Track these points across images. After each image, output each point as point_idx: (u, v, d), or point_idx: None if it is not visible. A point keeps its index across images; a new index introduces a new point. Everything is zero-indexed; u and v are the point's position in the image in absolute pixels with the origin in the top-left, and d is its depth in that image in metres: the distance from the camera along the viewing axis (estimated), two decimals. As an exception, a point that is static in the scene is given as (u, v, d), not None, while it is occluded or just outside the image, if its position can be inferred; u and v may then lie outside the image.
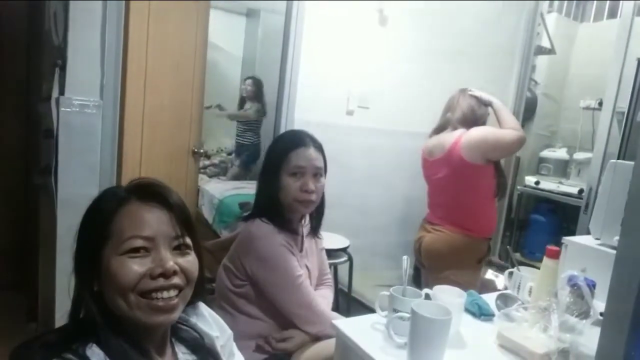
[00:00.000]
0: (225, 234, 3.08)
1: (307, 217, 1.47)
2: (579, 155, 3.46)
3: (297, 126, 2.31)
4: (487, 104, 2.14)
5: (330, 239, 2.19)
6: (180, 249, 0.76)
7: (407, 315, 0.96)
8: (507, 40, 3.13)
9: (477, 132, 2.02)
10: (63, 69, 1.77)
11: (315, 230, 1.49)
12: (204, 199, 3.64)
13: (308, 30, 2.35)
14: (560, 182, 3.45)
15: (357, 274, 2.41)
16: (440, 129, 2.17)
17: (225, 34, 4.81)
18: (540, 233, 3.54)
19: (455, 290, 1.18)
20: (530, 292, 1.31)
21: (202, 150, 2.48)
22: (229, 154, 4.86)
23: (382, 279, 2.61)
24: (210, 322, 0.90)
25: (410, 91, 2.77)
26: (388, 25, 2.62)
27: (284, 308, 1.31)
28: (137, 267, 0.71)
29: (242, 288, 1.34)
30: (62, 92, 1.77)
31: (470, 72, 2.82)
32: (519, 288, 1.35)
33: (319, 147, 1.39)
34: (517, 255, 3.59)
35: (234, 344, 0.97)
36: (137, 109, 2.08)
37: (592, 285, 1.15)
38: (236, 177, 4.12)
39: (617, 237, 1.03)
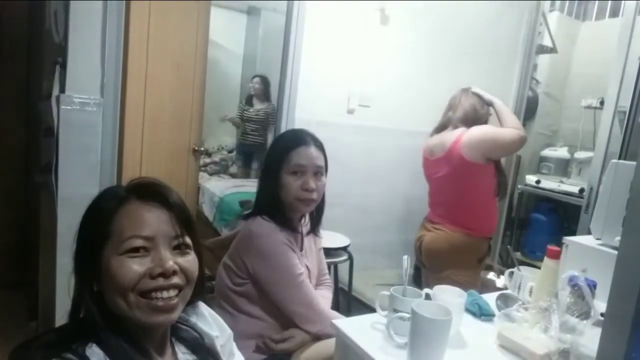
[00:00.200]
0: (225, 232, 3.08)
1: (307, 217, 1.47)
2: (580, 155, 3.45)
3: (298, 125, 2.31)
4: (488, 104, 2.14)
5: (331, 238, 2.19)
6: (180, 249, 0.76)
7: (408, 315, 0.97)
8: (508, 39, 3.12)
9: (477, 131, 2.01)
10: (64, 66, 1.76)
11: (314, 229, 1.49)
12: (205, 197, 3.65)
13: (309, 29, 2.34)
14: (561, 182, 3.44)
15: (358, 273, 2.41)
16: (441, 127, 2.17)
17: (226, 31, 4.81)
18: (541, 232, 3.53)
19: (456, 290, 1.18)
20: (530, 292, 1.31)
21: (202, 149, 2.48)
22: (230, 151, 4.87)
23: (382, 278, 2.62)
24: (210, 321, 0.90)
25: (411, 90, 2.77)
26: (389, 24, 2.62)
27: (285, 306, 1.31)
28: (136, 266, 0.71)
29: (242, 287, 1.34)
30: (62, 90, 1.77)
31: (472, 70, 2.81)
32: (519, 288, 1.35)
33: (320, 146, 1.39)
34: (518, 255, 3.58)
35: (234, 343, 0.97)
36: (138, 106, 2.08)
37: (592, 286, 1.14)
38: (242, 176, 4.15)
39: (618, 238, 1.02)
